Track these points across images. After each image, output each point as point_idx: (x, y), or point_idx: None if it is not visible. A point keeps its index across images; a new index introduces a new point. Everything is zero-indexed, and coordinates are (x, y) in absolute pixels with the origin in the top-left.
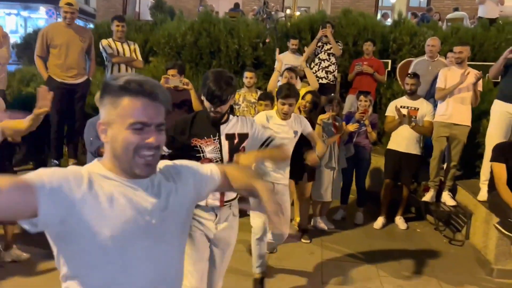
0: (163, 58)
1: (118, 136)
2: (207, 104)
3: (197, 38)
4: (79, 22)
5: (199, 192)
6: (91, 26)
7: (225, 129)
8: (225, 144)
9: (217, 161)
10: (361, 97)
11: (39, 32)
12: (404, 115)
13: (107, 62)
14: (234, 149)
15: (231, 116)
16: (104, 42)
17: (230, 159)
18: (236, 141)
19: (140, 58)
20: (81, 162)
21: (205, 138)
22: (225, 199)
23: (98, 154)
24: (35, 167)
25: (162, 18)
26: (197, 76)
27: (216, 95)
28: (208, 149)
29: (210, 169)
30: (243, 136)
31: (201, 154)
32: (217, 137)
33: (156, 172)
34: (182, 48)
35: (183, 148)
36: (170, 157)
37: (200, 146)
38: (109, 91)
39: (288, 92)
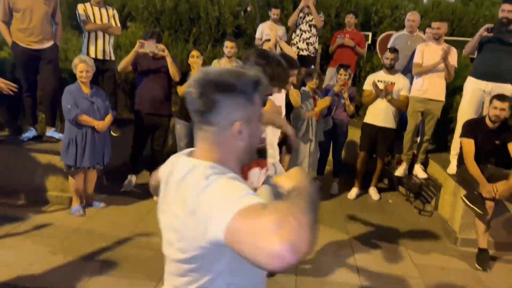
0: (141, 24)
1: (256, 132)
2: None
3: (177, 3)
4: None
5: None
6: None
7: None
8: None
9: None
10: (341, 70)
11: None
12: (380, 90)
13: (83, 28)
14: None
15: None
16: (80, 7)
17: None
18: None
19: (118, 24)
20: (61, 130)
21: None
22: None
23: (76, 122)
24: (11, 134)
25: None
26: (176, 43)
27: None
28: None
29: None
30: None
31: None
32: None
33: None
34: (161, 14)
35: None
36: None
37: None
38: (242, 90)
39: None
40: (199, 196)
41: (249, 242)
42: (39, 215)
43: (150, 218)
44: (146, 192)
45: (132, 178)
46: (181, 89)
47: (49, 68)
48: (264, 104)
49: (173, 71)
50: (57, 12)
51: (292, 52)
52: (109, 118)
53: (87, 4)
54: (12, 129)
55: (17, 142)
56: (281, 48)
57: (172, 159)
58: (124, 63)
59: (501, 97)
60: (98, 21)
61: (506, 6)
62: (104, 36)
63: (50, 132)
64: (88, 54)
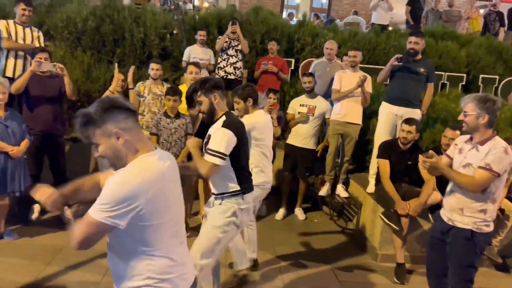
0: (61, 43)
1: None
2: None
3: (100, 24)
4: None
5: None
6: None
7: None
8: None
9: None
10: (271, 94)
11: None
12: (303, 115)
13: (1, 45)
14: None
15: None
16: (1, 23)
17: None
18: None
19: (42, 45)
20: None
21: None
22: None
23: None
24: None
25: (60, 0)
26: (100, 63)
27: None
28: None
29: None
30: None
31: None
32: None
33: None
34: (82, 34)
35: None
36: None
37: None
38: None
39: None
40: None
41: None
42: None
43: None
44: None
45: (35, 207)
46: None
47: None
48: None
49: (70, 90)
50: None
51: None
52: (25, 143)
53: (11, 21)
54: None
55: None
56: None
57: None
58: (19, 84)
59: (408, 121)
60: (20, 41)
61: (412, 38)
62: (25, 56)
63: None
64: (4, 73)
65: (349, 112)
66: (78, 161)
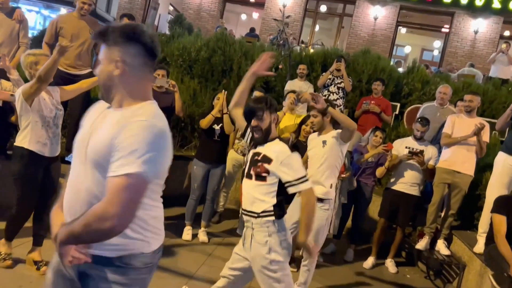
0: (175, 70)
1: None
2: None
3: (211, 55)
4: None
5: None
6: None
7: None
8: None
9: None
10: (378, 132)
11: (51, 20)
12: (412, 155)
13: None
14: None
15: None
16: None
17: None
18: None
19: None
20: None
21: None
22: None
23: None
24: None
25: (179, 32)
26: (206, 90)
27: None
28: None
29: None
30: None
31: None
32: None
33: None
34: (194, 63)
35: None
36: None
37: None
38: None
39: None
40: None
41: None
42: None
43: None
44: None
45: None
46: (204, 121)
47: (81, 95)
48: None
49: (179, 106)
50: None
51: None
52: None
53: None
54: None
55: None
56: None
57: None
58: None
59: None
60: None
61: None
62: None
63: (69, 157)
64: None
65: (460, 161)
66: (177, 176)
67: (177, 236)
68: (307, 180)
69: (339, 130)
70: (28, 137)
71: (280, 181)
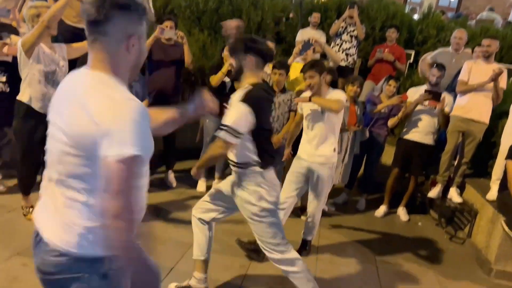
0: (183, 22)
1: (144, 49)
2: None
3: (219, 5)
4: None
5: None
6: None
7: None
8: None
9: None
10: (391, 81)
11: None
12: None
13: None
14: None
15: None
16: None
17: None
18: None
19: (152, 9)
20: None
21: None
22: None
23: None
24: None
25: None
26: (216, 43)
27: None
28: None
29: None
30: None
31: None
32: None
33: None
34: (202, 14)
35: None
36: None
37: None
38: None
39: None
40: None
41: None
42: None
43: (169, 208)
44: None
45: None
46: (214, 79)
47: None
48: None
49: (188, 58)
50: None
51: (335, 55)
52: (144, 103)
53: None
54: None
55: None
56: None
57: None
58: None
59: None
60: None
61: None
62: None
63: None
64: None
65: (475, 108)
66: (187, 131)
67: (192, 188)
68: (225, 129)
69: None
70: (27, 92)
71: (255, 130)
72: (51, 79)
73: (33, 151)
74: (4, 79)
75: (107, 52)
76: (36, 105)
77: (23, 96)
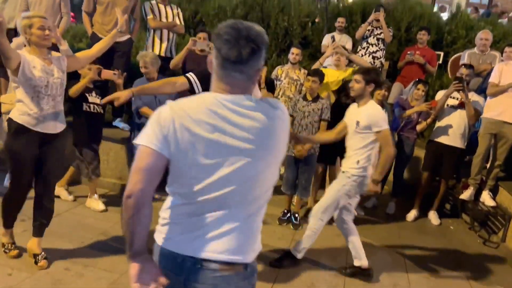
0: (212, 30)
1: None
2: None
3: (248, 12)
4: None
5: None
6: None
7: None
8: None
9: None
10: (420, 85)
11: None
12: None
13: (148, 25)
14: None
15: None
16: (147, 4)
17: None
18: None
19: (182, 23)
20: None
21: None
22: None
23: (138, 113)
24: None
25: None
26: None
27: None
28: None
29: None
30: None
31: None
32: None
33: None
34: None
35: None
36: None
37: None
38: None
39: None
40: None
41: None
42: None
43: None
44: None
45: None
46: None
47: (122, 61)
48: None
49: None
50: (136, 8)
51: (363, 61)
52: None
53: (154, 2)
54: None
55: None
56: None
57: None
58: (177, 60)
59: None
60: (163, 19)
61: None
62: (168, 34)
63: (116, 121)
64: (153, 50)
65: (507, 110)
66: None
67: None
68: None
69: (376, 118)
70: (18, 109)
71: None
72: (44, 94)
73: (23, 175)
74: (99, 101)
75: (245, 87)
76: (27, 123)
77: (13, 113)
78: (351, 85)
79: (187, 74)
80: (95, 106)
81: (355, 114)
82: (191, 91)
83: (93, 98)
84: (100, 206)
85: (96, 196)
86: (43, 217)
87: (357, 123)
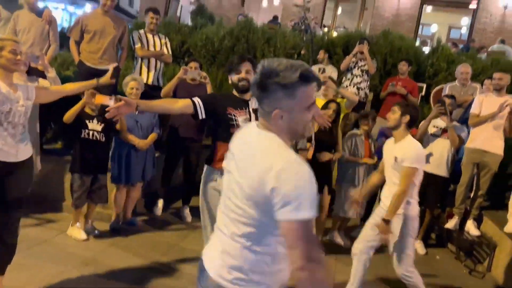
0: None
1: (299, 120)
2: (235, 78)
3: (235, 43)
4: None
5: None
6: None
7: (251, 104)
8: (253, 116)
9: None
10: (395, 107)
11: (76, 18)
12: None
13: (136, 54)
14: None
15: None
16: (136, 33)
17: None
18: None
19: (170, 52)
20: None
21: (239, 109)
22: None
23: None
24: (64, 146)
25: (202, 22)
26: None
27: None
28: (241, 119)
29: None
30: None
31: (235, 123)
32: (247, 110)
33: None
34: (218, 52)
35: (217, 115)
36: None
37: (234, 115)
38: (280, 87)
39: None
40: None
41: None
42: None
43: (184, 244)
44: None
45: (159, 201)
46: None
47: (109, 89)
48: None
49: None
50: (124, 37)
51: (351, 94)
52: (152, 137)
53: (142, 31)
54: (65, 141)
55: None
56: None
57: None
58: (168, 88)
59: None
60: (151, 48)
61: None
62: (156, 63)
63: None
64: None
65: (488, 140)
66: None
67: None
68: None
69: (417, 155)
70: None
71: None
72: (5, 120)
73: None
74: (100, 128)
75: (265, 119)
76: None
77: None
78: (388, 115)
79: (193, 98)
80: (95, 133)
81: (391, 150)
82: (194, 116)
83: (93, 125)
84: (82, 235)
85: (78, 224)
86: (4, 253)
87: (396, 158)
